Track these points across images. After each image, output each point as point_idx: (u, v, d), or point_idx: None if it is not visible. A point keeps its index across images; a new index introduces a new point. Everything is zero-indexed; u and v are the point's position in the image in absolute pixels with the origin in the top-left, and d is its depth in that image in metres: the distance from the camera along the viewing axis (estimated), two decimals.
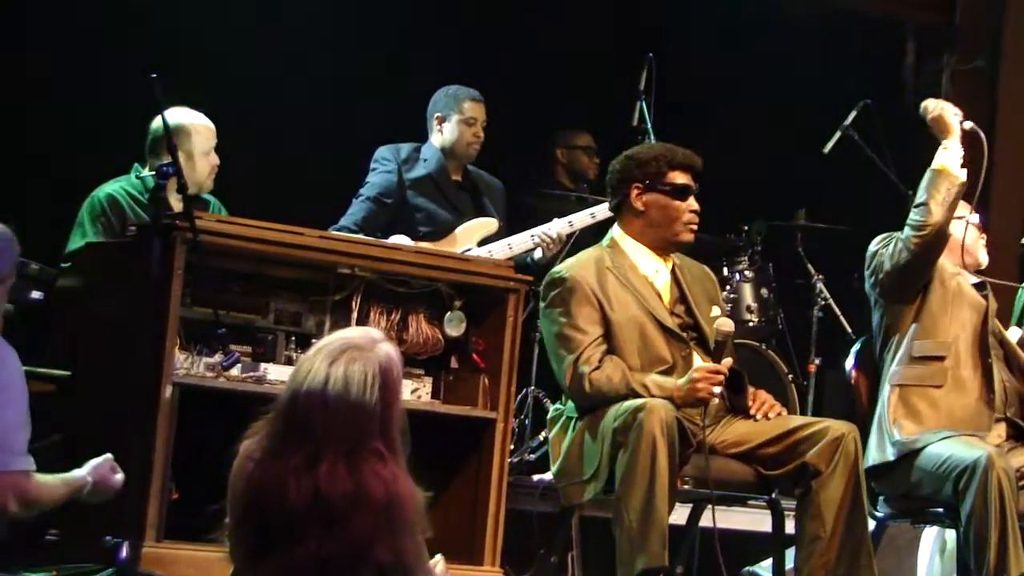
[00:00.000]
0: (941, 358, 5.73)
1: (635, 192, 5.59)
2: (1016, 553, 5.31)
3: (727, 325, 5.37)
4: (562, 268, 5.60)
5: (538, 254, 6.89)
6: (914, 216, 5.67)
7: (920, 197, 5.68)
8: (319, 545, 3.28)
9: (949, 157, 5.71)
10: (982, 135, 5.80)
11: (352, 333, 3.45)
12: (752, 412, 5.46)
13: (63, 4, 7.29)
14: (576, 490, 5.37)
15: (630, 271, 5.54)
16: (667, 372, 5.41)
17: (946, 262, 5.84)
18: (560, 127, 8.42)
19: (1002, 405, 5.74)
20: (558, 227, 6.92)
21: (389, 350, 3.42)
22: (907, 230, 5.68)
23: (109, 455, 4.57)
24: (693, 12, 8.78)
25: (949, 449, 5.48)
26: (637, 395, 5.25)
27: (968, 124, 5.79)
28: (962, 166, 5.73)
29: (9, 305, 5.23)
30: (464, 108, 7.05)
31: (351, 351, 3.38)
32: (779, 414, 5.48)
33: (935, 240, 5.67)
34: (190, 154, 6.06)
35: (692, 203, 5.57)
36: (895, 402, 5.71)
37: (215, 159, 6.25)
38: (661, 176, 5.56)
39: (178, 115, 6.10)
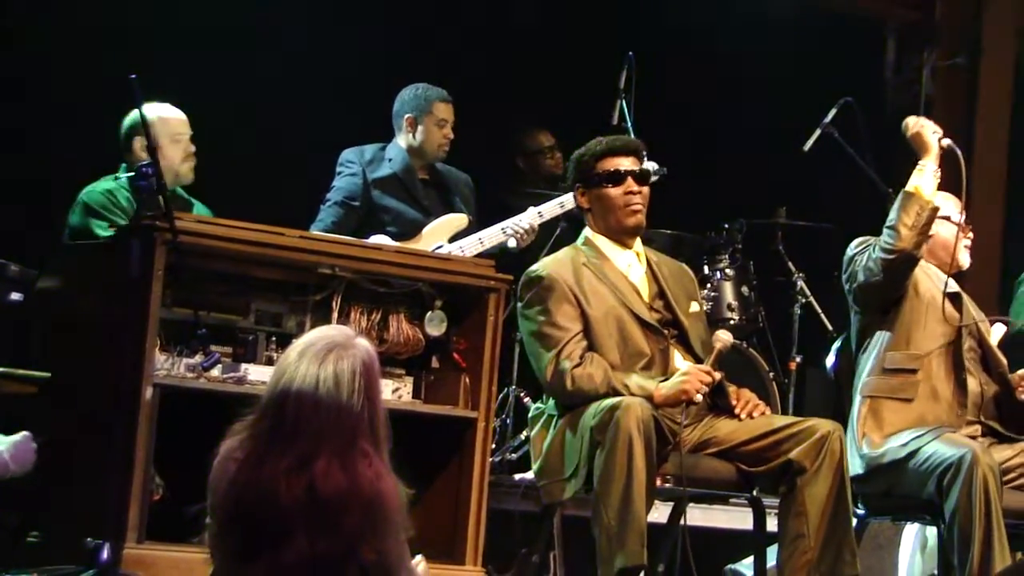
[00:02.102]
0: (913, 371, 5.72)
1: (579, 192, 5.68)
2: (1001, 549, 5.31)
3: (723, 339, 5.36)
4: (538, 267, 5.61)
5: (512, 244, 6.87)
6: (885, 238, 5.65)
7: (891, 219, 5.65)
8: (311, 544, 3.27)
9: (923, 179, 5.67)
10: (959, 153, 5.73)
11: (329, 331, 3.46)
12: (736, 411, 5.46)
13: (50, 4, 7.28)
14: (556, 488, 5.36)
15: (606, 267, 5.56)
16: (646, 366, 5.42)
17: (923, 270, 5.82)
18: (522, 129, 8.37)
19: (975, 411, 5.73)
20: (528, 218, 6.91)
21: (367, 345, 3.44)
22: (878, 250, 5.66)
23: (27, 433, 4.54)
24: (672, 11, 8.78)
25: (932, 447, 5.48)
26: (618, 394, 5.24)
27: (946, 142, 5.72)
28: (939, 186, 5.72)
29: None
30: (436, 109, 7.01)
31: (337, 350, 3.38)
32: (763, 413, 5.48)
33: (904, 263, 5.66)
34: (156, 142, 5.99)
35: (629, 185, 5.58)
36: (864, 414, 5.70)
37: (189, 147, 6.21)
38: (592, 169, 5.62)
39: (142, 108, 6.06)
